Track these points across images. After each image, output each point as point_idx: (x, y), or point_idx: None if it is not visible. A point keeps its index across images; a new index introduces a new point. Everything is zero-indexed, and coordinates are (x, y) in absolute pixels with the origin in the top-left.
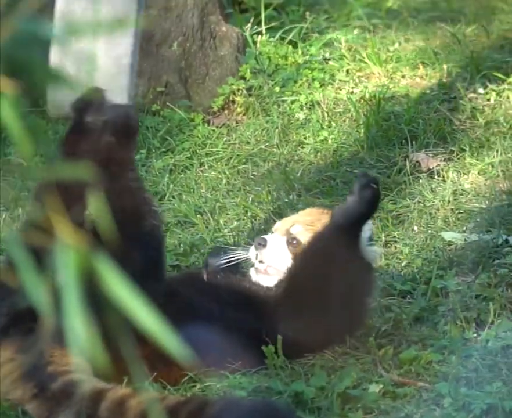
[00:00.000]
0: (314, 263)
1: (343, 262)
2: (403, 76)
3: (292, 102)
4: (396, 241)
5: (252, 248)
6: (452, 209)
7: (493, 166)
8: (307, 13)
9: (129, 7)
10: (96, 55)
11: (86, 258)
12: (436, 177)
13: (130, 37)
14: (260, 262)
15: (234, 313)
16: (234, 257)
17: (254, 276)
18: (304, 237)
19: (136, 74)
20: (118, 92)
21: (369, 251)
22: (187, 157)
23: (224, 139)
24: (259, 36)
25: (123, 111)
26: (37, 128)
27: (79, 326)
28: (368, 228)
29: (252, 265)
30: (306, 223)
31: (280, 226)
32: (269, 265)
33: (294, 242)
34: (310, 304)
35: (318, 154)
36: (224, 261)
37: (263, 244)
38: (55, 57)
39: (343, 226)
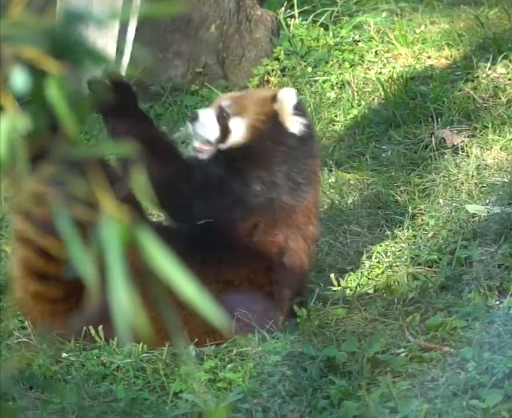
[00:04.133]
0: None
1: None
2: (428, 57)
3: (324, 82)
4: (422, 214)
5: (188, 123)
6: (476, 183)
7: None
8: None
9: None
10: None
11: (130, 230)
12: (460, 152)
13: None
14: (195, 138)
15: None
16: (179, 136)
17: (192, 153)
18: (232, 110)
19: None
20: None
21: (294, 121)
22: None
23: None
24: (292, 19)
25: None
26: (81, 106)
27: (123, 296)
28: (292, 95)
29: (191, 142)
30: (236, 98)
31: (215, 101)
32: (201, 136)
33: (223, 114)
34: None
35: (349, 131)
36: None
37: (194, 118)
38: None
39: None
